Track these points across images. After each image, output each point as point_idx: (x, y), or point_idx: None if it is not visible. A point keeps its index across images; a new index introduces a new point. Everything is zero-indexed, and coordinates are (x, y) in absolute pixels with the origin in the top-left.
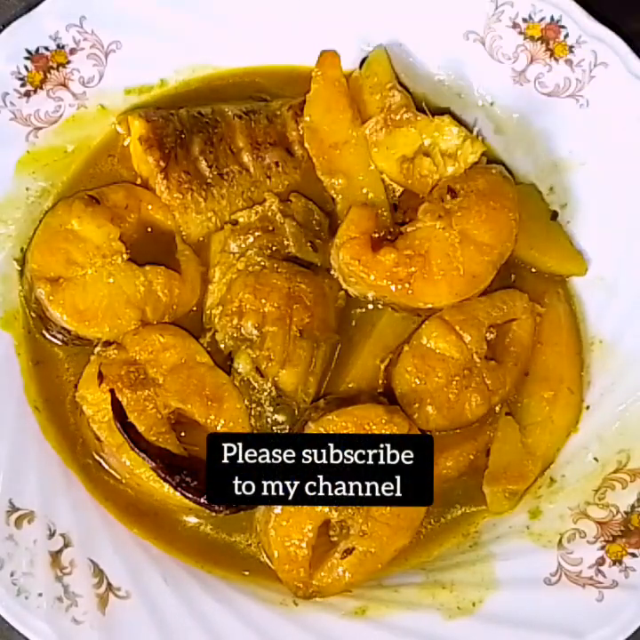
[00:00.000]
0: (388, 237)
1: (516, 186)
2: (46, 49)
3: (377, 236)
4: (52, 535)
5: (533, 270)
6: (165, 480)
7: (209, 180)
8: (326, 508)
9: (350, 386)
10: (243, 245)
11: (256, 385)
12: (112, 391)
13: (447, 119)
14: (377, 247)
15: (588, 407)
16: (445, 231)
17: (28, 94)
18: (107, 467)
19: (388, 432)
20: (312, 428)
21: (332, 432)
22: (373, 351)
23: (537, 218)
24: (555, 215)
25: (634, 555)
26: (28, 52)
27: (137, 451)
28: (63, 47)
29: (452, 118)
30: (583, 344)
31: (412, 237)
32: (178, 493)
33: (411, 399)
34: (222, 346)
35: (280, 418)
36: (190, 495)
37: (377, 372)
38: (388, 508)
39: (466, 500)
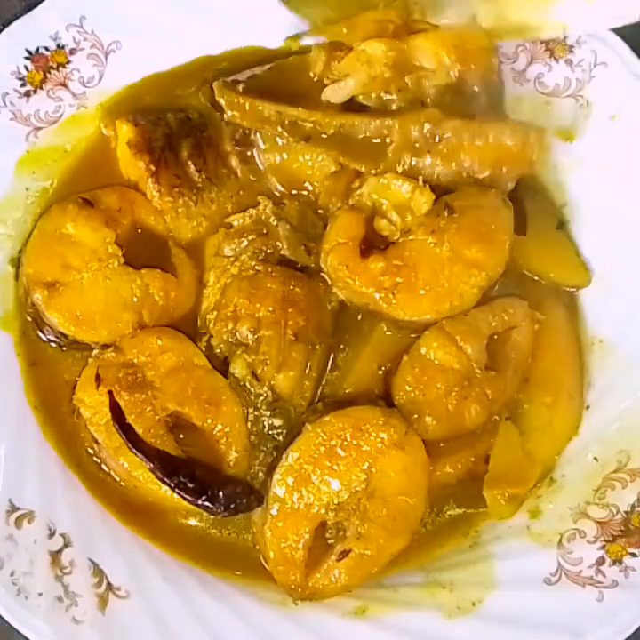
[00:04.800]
0: (380, 246)
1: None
2: (46, 49)
3: (368, 241)
4: (52, 535)
5: (535, 278)
6: (163, 481)
7: (199, 185)
8: (323, 510)
9: (348, 391)
10: (237, 249)
11: (252, 389)
12: (110, 392)
13: (390, 175)
14: (367, 254)
15: (587, 407)
16: (436, 247)
17: (27, 94)
18: (105, 468)
19: (384, 434)
20: (309, 430)
21: (328, 433)
22: (371, 357)
23: (542, 227)
24: (561, 225)
25: (634, 554)
26: (28, 51)
27: (134, 451)
28: (63, 47)
29: (396, 173)
30: (583, 344)
31: (402, 248)
32: (175, 495)
33: (410, 410)
34: (218, 351)
35: (277, 422)
36: (188, 496)
37: (375, 378)
38: (385, 510)
39: (466, 506)
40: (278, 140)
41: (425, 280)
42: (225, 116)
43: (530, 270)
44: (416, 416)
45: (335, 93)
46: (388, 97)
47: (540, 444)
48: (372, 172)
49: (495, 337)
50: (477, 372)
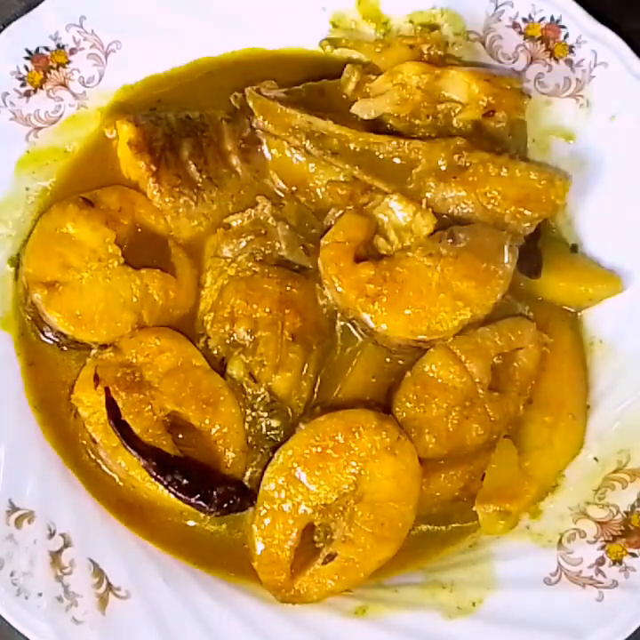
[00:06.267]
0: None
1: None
2: (46, 49)
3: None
4: (51, 535)
5: (571, 309)
6: (156, 479)
7: (199, 184)
8: (310, 511)
9: (345, 397)
10: (235, 249)
11: (250, 390)
12: (107, 389)
13: (396, 196)
14: (361, 260)
15: (588, 407)
16: (429, 270)
17: (28, 94)
18: (104, 467)
19: (377, 437)
20: (303, 429)
21: (321, 434)
22: (365, 366)
23: (558, 255)
24: (574, 248)
25: (634, 555)
26: (28, 51)
27: (129, 449)
28: (63, 47)
29: (401, 195)
30: (583, 345)
31: (396, 262)
32: (169, 493)
33: (409, 427)
34: (215, 352)
35: (274, 423)
36: (181, 495)
37: (369, 388)
38: (372, 515)
39: (461, 522)
40: (295, 154)
41: (408, 299)
42: (254, 121)
43: (561, 299)
44: (415, 434)
45: (364, 108)
46: (417, 122)
47: (538, 462)
48: (386, 190)
49: (501, 357)
50: (480, 392)
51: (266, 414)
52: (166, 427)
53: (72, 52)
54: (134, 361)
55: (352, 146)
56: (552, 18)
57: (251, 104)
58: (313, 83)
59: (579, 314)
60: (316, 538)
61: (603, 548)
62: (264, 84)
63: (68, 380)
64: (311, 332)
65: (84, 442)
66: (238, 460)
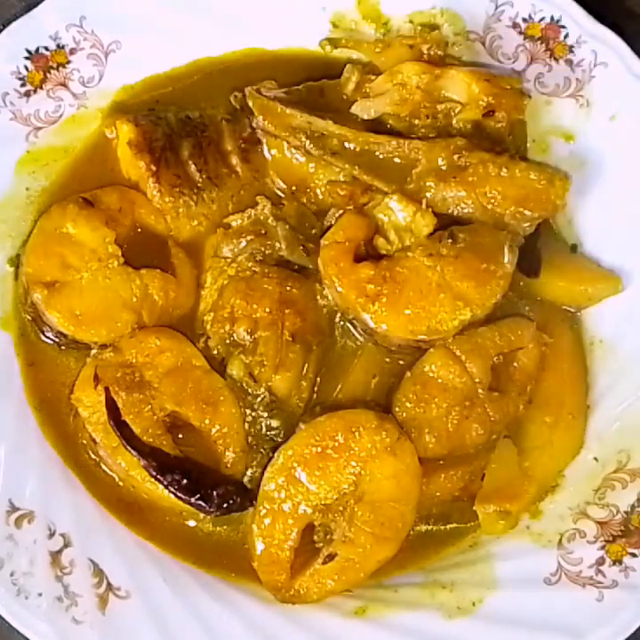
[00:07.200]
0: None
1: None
2: (46, 49)
3: (365, 250)
4: (52, 535)
5: (571, 309)
6: (156, 479)
7: (199, 184)
8: (310, 511)
9: (344, 397)
10: (235, 249)
11: (250, 390)
12: (107, 389)
13: (396, 196)
14: (361, 260)
15: (588, 407)
16: (429, 270)
17: (27, 94)
18: (104, 467)
19: (377, 437)
20: (303, 429)
21: (321, 434)
22: (365, 366)
23: (558, 255)
24: (574, 248)
25: (634, 555)
26: (28, 51)
27: (129, 449)
28: (63, 47)
29: (401, 195)
30: (583, 345)
31: (395, 262)
32: (169, 493)
33: (409, 427)
34: (215, 352)
35: (274, 423)
36: (181, 495)
37: (369, 388)
38: (372, 515)
39: (461, 523)
40: (295, 154)
41: (408, 298)
42: (254, 121)
43: (559, 300)
44: (415, 434)
45: (364, 108)
46: (417, 122)
47: (538, 461)
48: (386, 190)
49: (501, 357)
50: (480, 392)
51: (266, 414)
52: (166, 427)
53: (72, 51)
54: (134, 361)
55: (352, 146)
56: (552, 18)
57: (251, 104)
58: (313, 83)
59: (579, 314)
60: (315, 538)
61: (603, 548)
62: (264, 84)
63: (68, 380)
64: (311, 332)
65: (84, 442)
66: (238, 460)
